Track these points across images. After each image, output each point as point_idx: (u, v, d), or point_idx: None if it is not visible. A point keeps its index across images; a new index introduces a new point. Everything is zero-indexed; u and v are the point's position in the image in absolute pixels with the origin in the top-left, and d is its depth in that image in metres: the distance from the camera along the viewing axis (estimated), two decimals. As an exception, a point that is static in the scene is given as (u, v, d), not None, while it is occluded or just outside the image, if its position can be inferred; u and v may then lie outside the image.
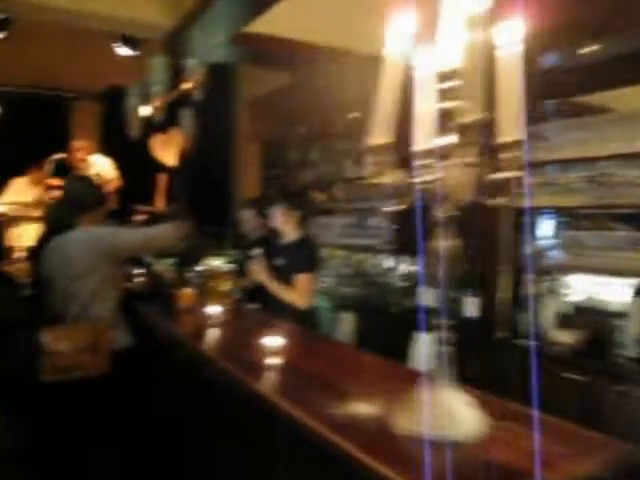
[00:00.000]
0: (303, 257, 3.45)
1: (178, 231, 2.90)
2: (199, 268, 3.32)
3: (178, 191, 8.22)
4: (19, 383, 3.01)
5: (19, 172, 8.16)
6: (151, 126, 5.79)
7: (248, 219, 4.02)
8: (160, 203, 7.69)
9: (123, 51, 5.70)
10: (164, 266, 3.52)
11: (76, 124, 9.43)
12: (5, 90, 8.75)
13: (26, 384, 2.79)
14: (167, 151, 8.68)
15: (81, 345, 2.52)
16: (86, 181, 3.14)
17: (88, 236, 2.73)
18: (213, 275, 3.14)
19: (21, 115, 8.81)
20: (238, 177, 6.39)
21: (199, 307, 3.08)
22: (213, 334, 2.81)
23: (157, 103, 5.41)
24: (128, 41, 5.76)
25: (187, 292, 3.17)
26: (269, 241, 3.96)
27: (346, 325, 4.07)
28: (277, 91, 5.05)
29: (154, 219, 7.05)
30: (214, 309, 2.89)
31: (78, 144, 6.57)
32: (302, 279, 3.37)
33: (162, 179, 7.67)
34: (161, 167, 8.47)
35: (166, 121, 8.25)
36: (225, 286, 3.07)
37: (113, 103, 9.47)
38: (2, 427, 3.59)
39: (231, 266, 3.20)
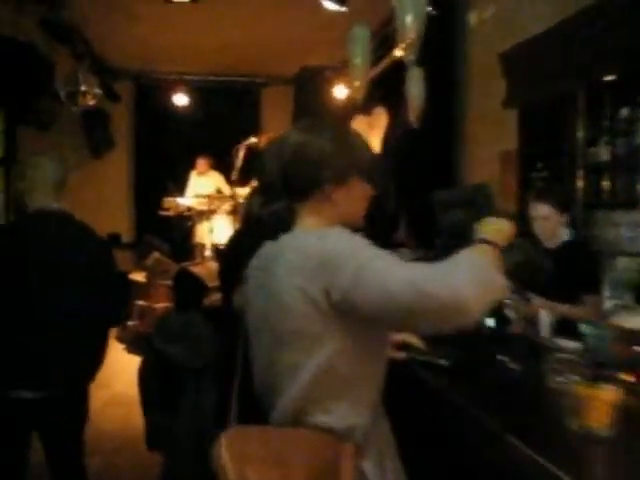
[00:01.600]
0: None
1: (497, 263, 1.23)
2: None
3: (381, 182, 7.07)
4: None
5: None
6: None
7: (545, 217, 2.56)
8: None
9: (330, 5, 4.59)
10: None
11: (267, 110, 8.70)
12: (194, 79, 8.28)
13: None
14: (371, 135, 7.62)
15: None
16: (311, 132, 1.38)
17: (307, 253, 1.25)
18: None
19: (211, 104, 8.31)
20: (468, 161, 5.05)
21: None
22: None
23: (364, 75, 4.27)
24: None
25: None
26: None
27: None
28: (543, 35, 3.58)
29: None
30: None
31: (269, 133, 5.71)
32: None
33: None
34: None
35: (372, 99, 7.19)
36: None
37: (305, 86, 8.72)
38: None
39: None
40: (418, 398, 1.73)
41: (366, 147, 1.42)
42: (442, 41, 5.08)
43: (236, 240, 2.35)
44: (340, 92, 7.71)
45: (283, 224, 1.46)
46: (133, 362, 5.32)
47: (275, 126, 6.54)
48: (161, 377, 2.23)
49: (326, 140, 1.34)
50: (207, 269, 5.49)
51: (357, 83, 4.34)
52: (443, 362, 1.78)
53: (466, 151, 5.24)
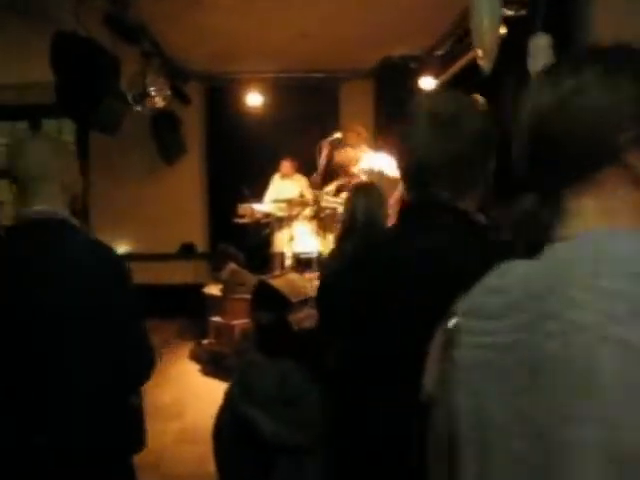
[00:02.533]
0: None
1: None
2: None
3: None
4: None
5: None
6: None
7: None
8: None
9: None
10: None
11: (346, 106, 8.08)
12: (268, 77, 7.75)
13: None
14: None
15: None
16: (589, 71, 0.73)
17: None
18: None
19: (286, 102, 7.76)
20: None
21: None
22: None
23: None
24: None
25: None
26: None
27: None
28: None
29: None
30: None
31: (352, 127, 5.07)
32: None
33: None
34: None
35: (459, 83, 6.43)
36: None
37: (388, 78, 8.04)
38: None
39: None
40: None
41: None
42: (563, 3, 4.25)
43: (344, 263, 1.67)
44: (427, 84, 7.00)
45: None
46: (209, 387, 4.83)
47: (355, 123, 5.92)
48: (243, 447, 1.60)
49: (622, 79, 0.72)
50: (288, 282, 4.89)
51: (481, 52, 3.56)
52: None
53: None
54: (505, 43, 5.11)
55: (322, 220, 5.41)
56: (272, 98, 7.68)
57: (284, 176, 7.02)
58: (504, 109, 5.76)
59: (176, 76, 7.08)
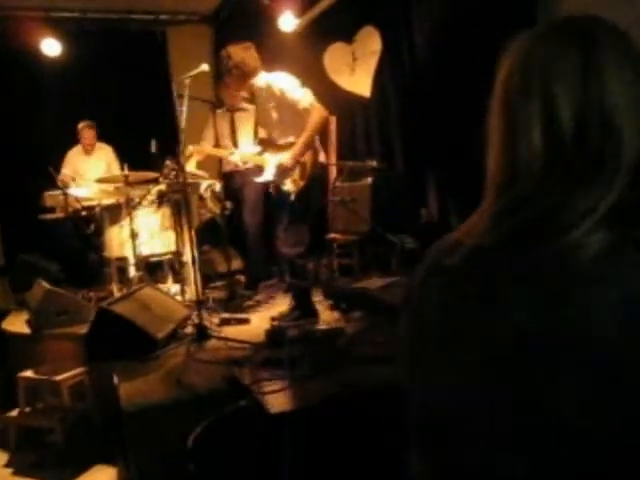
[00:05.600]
0: None
1: None
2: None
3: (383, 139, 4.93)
4: None
5: (104, 131, 5.27)
6: None
7: None
8: (332, 157, 4.59)
9: None
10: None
11: (176, 55, 6.25)
12: (70, 17, 5.67)
13: None
14: (355, 70, 5.40)
15: None
16: None
17: None
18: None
19: (97, 52, 5.79)
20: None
21: None
22: None
23: None
24: None
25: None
26: None
27: None
28: None
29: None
30: None
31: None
32: None
33: (332, 122, 4.62)
34: (348, 99, 5.21)
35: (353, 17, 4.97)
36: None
37: (230, 20, 6.35)
38: None
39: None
40: None
41: None
42: None
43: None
44: (287, 23, 5.45)
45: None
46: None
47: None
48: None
49: None
50: (144, 304, 3.11)
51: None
52: None
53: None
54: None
55: (179, 205, 3.69)
56: (77, 46, 5.63)
57: (86, 148, 5.23)
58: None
59: None
